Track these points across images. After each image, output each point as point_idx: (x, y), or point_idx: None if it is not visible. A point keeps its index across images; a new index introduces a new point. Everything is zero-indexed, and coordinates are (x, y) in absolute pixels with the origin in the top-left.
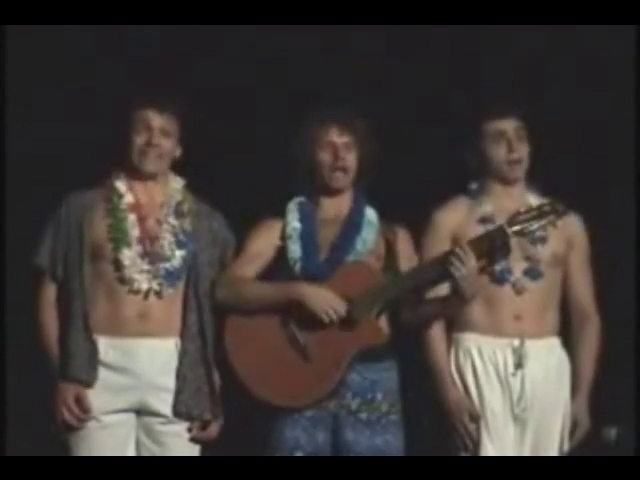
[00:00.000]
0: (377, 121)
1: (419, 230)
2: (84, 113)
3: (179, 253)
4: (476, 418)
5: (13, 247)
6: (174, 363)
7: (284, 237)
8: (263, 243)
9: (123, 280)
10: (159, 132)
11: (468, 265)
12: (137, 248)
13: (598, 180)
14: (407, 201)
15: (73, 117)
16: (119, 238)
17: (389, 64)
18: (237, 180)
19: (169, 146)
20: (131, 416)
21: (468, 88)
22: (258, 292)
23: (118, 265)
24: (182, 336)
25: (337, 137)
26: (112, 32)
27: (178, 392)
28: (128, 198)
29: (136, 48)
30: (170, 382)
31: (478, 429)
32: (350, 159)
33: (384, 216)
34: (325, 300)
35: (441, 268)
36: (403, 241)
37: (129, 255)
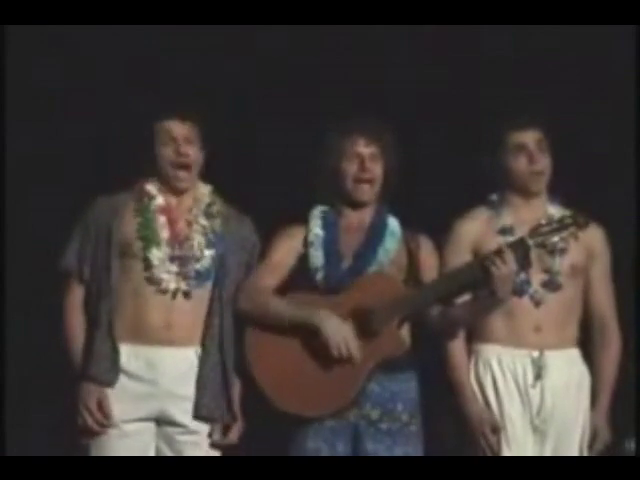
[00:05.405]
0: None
1: (437, 239)
2: (84, 113)
3: (208, 252)
4: (497, 430)
5: (13, 247)
6: (194, 372)
7: (306, 244)
8: (285, 251)
9: (151, 280)
10: (184, 141)
11: (510, 265)
12: (166, 250)
13: (598, 180)
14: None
15: (73, 117)
16: (148, 237)
17: (389, 64)
18: (259, 186)
19: (195, 154)
20: (151, 425)
21: (468, 88)
22: (279, 310)
23: (147, 264)
24: (204, 338)
25: (364, 148)
26: (112, 32)
27: (199, 395)
28: (159, 200)
29: (136, 48)
30: (190, 391)
31: (499, 441)
32: (376, 170)
33: (404, 224)
34: (340, 335)
35: (470, 274)
36: (425, 250)
37: (158, 255)
